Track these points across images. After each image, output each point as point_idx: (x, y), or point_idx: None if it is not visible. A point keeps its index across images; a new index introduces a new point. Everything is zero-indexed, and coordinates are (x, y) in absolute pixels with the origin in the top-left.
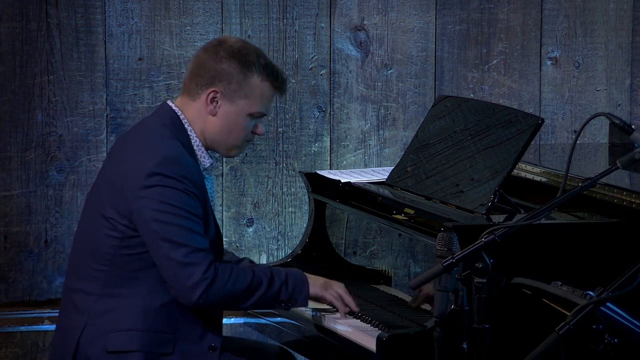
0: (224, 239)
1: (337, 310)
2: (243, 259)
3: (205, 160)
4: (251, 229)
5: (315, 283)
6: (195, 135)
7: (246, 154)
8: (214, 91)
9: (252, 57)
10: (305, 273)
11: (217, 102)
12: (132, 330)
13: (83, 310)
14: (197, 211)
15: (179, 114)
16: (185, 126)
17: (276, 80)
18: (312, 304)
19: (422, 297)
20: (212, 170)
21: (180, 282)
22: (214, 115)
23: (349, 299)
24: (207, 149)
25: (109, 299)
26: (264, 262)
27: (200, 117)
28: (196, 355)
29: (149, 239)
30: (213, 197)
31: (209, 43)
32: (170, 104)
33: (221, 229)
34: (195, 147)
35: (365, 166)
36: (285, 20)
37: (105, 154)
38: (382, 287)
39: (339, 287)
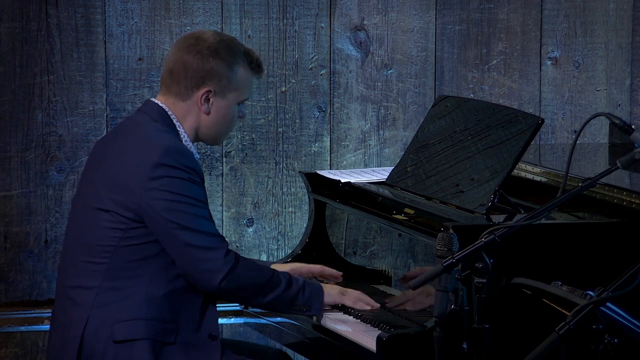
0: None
1: (337, 311)
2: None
3: (194, 154)
4: (251, 229)
5: (331, 292)
6: (183, 130)
7: (246, 153)
8: (207, 91)
9: (233, 48)
10: (321, 284)
11: (210, 100)
12: (137, 319)
13: (84, 304)
14: (204, 199)
15: (166, 110)
16: (174, 122)
17: (257, 66)
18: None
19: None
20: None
21: (201, 267)
22: (208, 113)
23: (368, 299)
24: (193, 141)
25: (110, 291)
26: None
27: (191, 116)
28: (198, 344)
29: (162, 231)
30: None
31: (185, 42)
32: (156, 100)
33: (221, 229)
34: (184, 142)
35: (365, 166)
36: (285, 20)
37: None
38: (382, 287)
39: (356, 291)
